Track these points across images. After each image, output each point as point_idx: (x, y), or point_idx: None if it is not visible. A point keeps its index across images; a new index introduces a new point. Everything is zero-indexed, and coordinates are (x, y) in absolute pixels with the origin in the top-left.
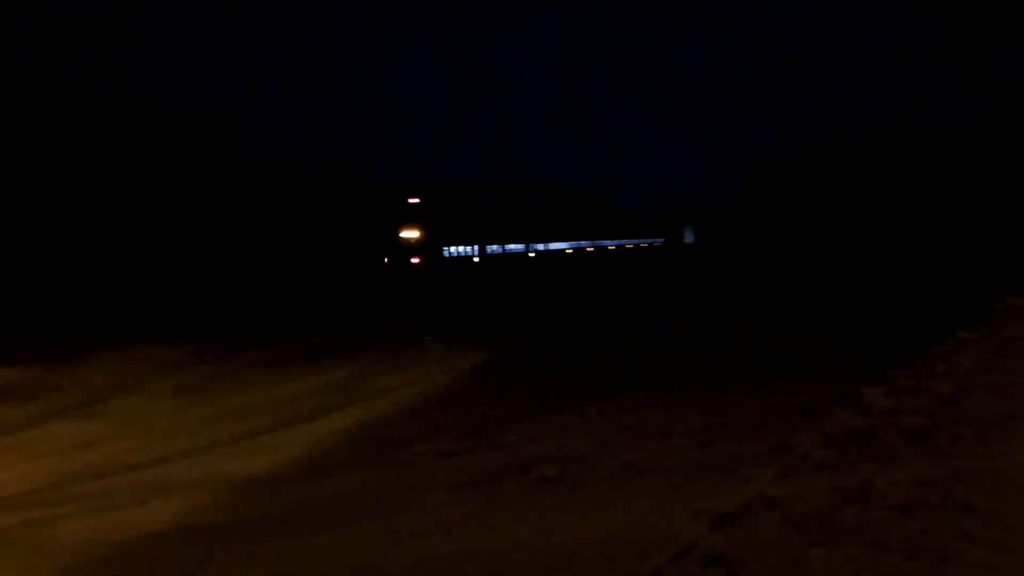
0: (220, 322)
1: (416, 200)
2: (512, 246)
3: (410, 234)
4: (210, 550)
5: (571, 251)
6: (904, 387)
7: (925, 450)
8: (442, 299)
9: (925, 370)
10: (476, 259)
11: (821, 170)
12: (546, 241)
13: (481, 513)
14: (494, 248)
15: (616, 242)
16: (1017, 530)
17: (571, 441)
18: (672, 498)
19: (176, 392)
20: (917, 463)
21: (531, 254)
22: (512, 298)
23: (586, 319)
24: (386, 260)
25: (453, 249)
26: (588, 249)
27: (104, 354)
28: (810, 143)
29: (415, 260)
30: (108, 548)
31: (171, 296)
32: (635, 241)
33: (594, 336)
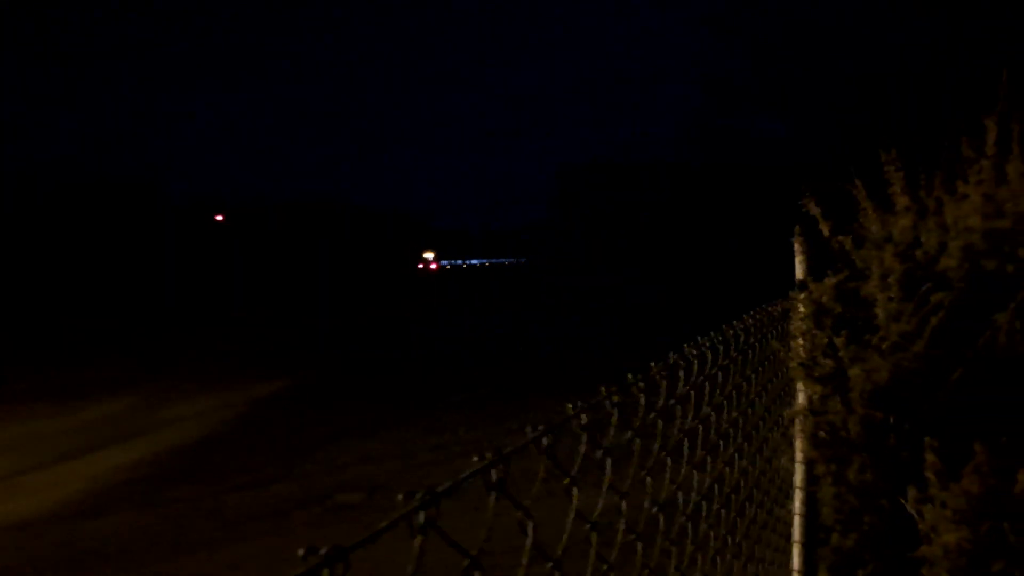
0: None
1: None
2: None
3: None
4: None
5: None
6: None
7: None
8: (244, 320)
9: None
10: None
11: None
12: (359, 263)
13: (271, 549)
14: (312, 268)
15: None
16: None
17: (375, 467)
18: (480, 521)
19: None
20: None
21: (340, 275)
22: (318, 322)
23: (392, 342)
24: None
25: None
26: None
27: None
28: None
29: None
30: None
31: None
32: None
33: (398, 359)
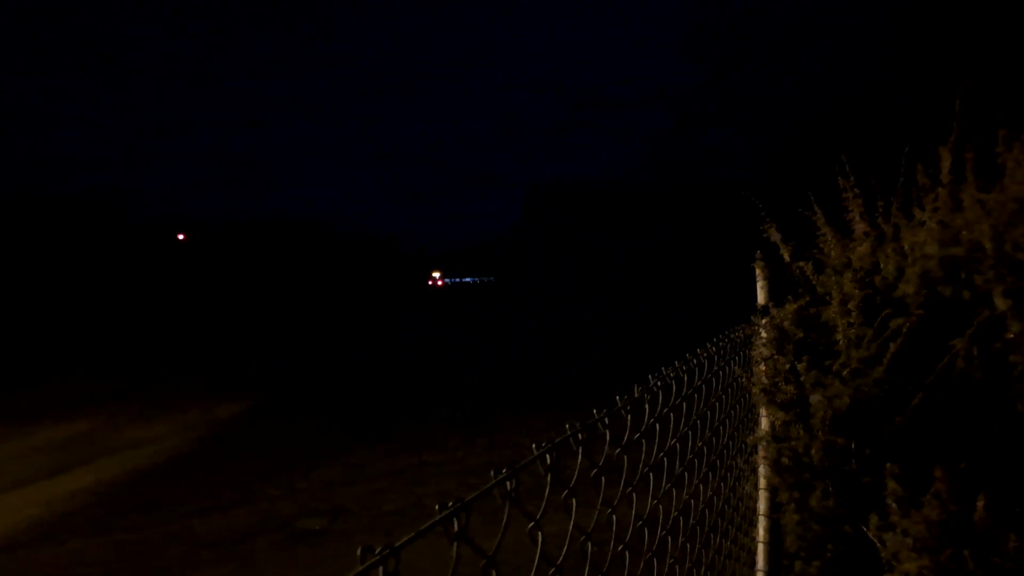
0: None
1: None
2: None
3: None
4: None
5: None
6: None
7: None
8: (207, 339)
9: None
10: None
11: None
12: (326, 283)
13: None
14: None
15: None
16: None
17: (337, 491)
18: (440, 543)
19: None
20: None
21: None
22: (285, 338)
23: (359, 361)
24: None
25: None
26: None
27: None
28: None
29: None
30: None
31: None
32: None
33: (363, 378)
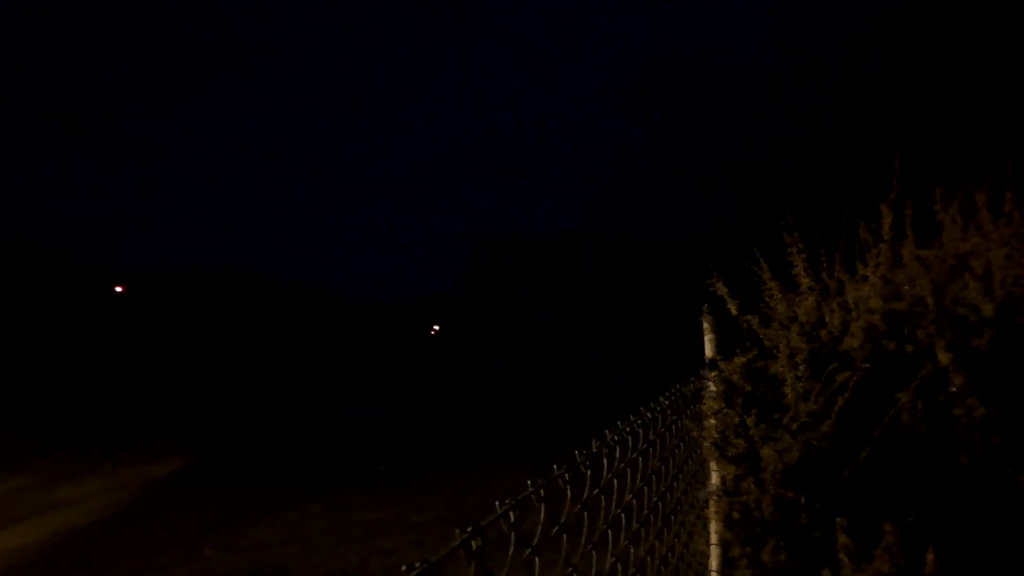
0: None
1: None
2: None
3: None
4: None
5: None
6: None
7: None
8: (142, 394)
9: None
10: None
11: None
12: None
13: None
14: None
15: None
16: None
17: (279, 550)
18: None
19: None
20: None
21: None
22: (229, 394)
23: (295, 416)
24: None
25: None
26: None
27: None
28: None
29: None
30: None
31: None
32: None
33: (300, 434)
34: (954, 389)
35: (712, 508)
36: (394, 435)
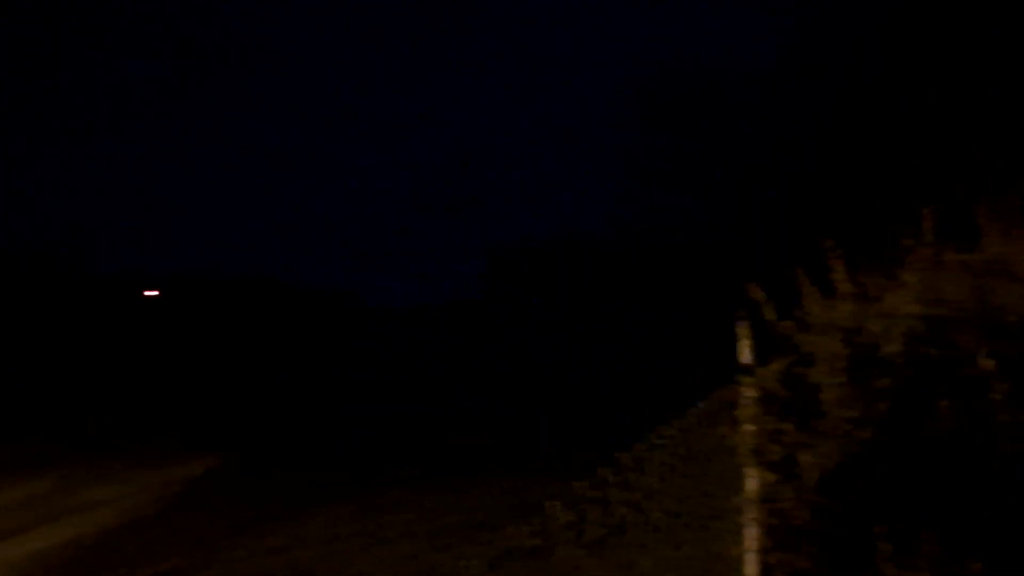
0: None
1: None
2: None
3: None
4: None
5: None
6: None
7: None
8: (181, 398)
9: None
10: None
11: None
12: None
13: None
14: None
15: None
16: None
17: (302, 553)
18: None
19: None
20: None
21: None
22: (258, 397)
23: (329, 419)
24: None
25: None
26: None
27: None
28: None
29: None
30: None
31: None
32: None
33: (333, 433)
34: (996, 396)
35: (748, 514)
36: (398, 436)
